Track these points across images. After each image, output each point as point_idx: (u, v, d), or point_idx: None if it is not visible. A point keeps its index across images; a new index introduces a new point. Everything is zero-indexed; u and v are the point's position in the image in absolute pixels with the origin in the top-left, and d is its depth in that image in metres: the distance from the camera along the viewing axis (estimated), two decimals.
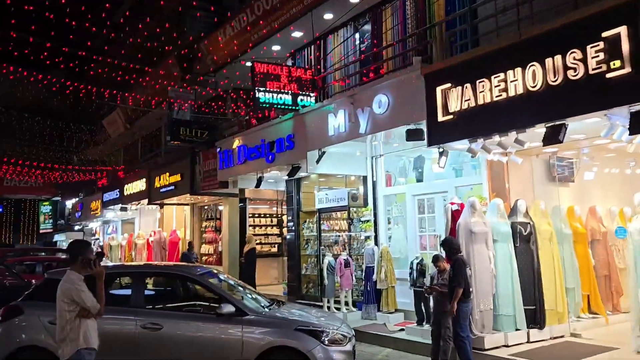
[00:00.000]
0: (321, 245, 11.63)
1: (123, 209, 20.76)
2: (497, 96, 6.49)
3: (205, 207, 18.14)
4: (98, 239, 27.40)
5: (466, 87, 6.88)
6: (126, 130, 22.37)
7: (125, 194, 20.06)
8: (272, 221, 16.93)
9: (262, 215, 16.84)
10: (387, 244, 10.08)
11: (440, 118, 7.29)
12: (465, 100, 6.89)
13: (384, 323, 9.31)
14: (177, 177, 15.73)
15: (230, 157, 12.78)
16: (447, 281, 6.48)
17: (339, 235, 11.42)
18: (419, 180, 10.19)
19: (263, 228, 16.74)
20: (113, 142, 25.37)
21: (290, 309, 6.60)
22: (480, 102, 6.71)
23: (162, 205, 17.80)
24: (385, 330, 8.87)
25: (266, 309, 6.07)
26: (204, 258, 17.90)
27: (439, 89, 7.30)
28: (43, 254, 18.93)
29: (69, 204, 31.41)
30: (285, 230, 14.05)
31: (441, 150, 7.62)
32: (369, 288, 9.90)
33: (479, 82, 6.70)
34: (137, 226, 22.78)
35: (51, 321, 5.53)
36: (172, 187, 16.02)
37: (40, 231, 36.42)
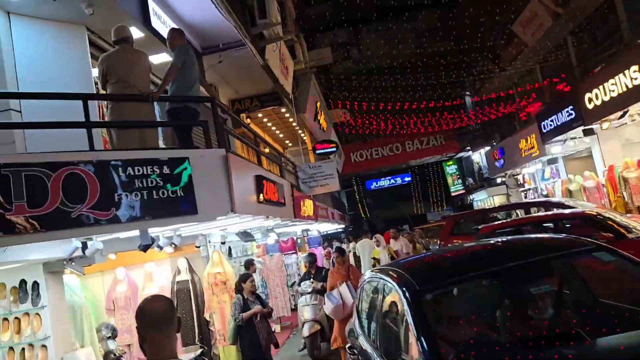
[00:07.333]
0: None
1: (587, 132, 13.60)
2: None
3: None
4: (530, 189, 21.19)
5: None
6: (555, 21, 15.16)
7: (587, 106, 12.81)
8: None
9: None
10: None
11: None
12: None
13: None
14: None
15: None
16: None
17: None
18: None
19: None
20: (528, 55, 18.59)
21: None
22: None
23: None
24: None
25: None
26: None
27: None
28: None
29: (477, 156, 26.56)
30: None
31: None
32: None
33: None
34: (598, 159, 15.28)
35: None
36: None
37: (452, 194, 33.06)
